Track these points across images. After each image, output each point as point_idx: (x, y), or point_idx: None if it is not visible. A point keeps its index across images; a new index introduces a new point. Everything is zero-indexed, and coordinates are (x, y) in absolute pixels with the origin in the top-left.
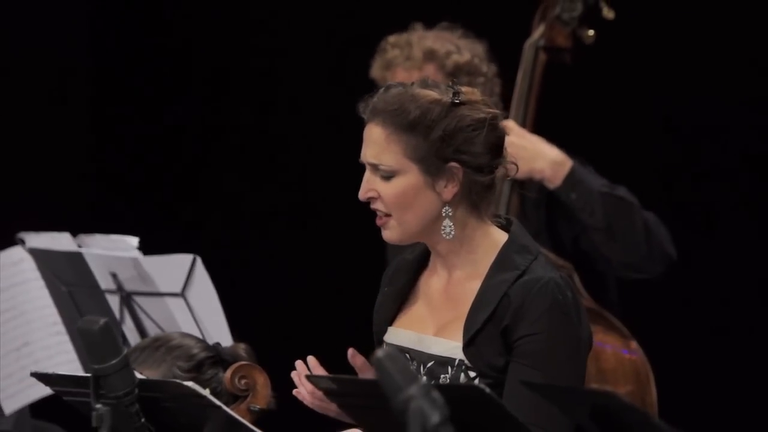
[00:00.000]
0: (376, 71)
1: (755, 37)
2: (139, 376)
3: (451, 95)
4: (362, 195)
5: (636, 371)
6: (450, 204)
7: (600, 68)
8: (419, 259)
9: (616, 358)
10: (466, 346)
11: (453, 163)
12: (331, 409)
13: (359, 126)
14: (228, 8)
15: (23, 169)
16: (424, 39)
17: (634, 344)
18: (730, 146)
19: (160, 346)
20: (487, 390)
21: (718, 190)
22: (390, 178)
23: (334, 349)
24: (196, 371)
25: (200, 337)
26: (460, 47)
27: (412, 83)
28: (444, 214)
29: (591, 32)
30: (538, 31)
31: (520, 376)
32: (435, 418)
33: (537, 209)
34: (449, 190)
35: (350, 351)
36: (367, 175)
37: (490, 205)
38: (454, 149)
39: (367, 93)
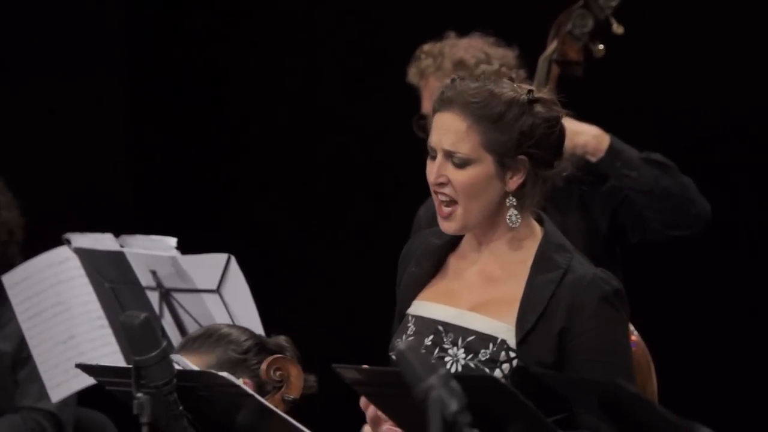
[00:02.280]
0: (411, 77)
1: (763, 50)
2: (190, 364)
3: (525, 93)
4: (434, 179)
5: (638, 360)
6: (513, 194)
7: (609, 81)
8: (447, 245)
9: None
10: (519, 344)
11: (522, 157)
12: None
13: (389, 125)
14: (264, 10)
15: (69, 174)
16: (455, 48)
17: (635, 336)
18: (736, 156)
19: (212, 334)
20: (502, 380)
21: (726, 198)
22: (464, 166)
23: (361, 344)
24: (244, 358)
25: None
26: (489, 56)
27: (486, 77)
28: (509, 204)
29: (601, 47)
30: (551, 46)
31: (582, 370)
32: (453, 406)
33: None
34: (515, 181)
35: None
36: (440, 160)
37: (536, 201)
38: (529, 144)
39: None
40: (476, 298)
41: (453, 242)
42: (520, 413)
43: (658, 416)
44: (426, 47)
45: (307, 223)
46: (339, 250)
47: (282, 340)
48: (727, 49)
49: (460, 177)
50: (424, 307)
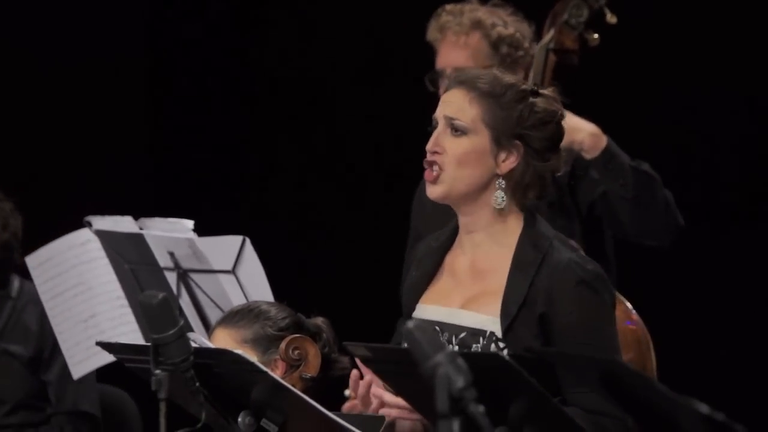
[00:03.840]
0: (430, 33)
1: (754, 37)
2: (206, 342)
3: (531, 85)
4: (430, 146)
5: (637, 340)
6: (504, 178)
7: (604, 68)
8: (445, 244)
9: (620, 328)
10: (505, 334)
11: (518, 141)
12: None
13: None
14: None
15: (91, 159)
16: (475, 10)
17: (635, 316)
18: (725, 144)
19: (253, 309)
20: (507, 357)
21: (714, 187)
22: (461, 135)
23: (373, 323)
24: (281, 335)
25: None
26: (507, 22)
27: (492, 69)
28: (497, 186)
29: (596, 36)
30: (548, 35)
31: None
32: (460, 382)
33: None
34: (507, 164)
35: (354, 373)
36: (439, 129)
37: (527, 199)
38: (525, 128)
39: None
40: (467, 294)
41: (449, 243)
42: (523, 390)
43: (657, 393)
44: (448, 7)
45: (323, 206)
46: (354, 232)
47: (320, 321)
48: (719, 35)
49: (455, 146)
50: (422, 310)
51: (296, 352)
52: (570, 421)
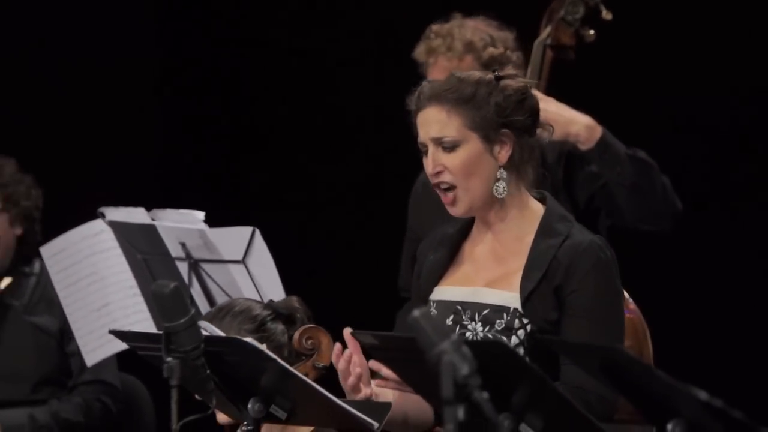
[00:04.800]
0: (419, 55)
1: (746, 33)
2: (217, 331)
3: (491, 72)
4: (431, 170)
5: (635, 328)
6: (504, 168)
7: (599, 63)
8: (461, 232)
9: None
10: (524, 304)
11: (505, 129)
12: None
13: None
14: None
15: (103, 152)
16: (463, 30)
17: (632, 305)
18: (720, 138)
19: (226, 314)
20: (510, 345)
21: (712, 179)
22: (454, 149)
23: (380, 311)
24: (260, 330)
25: (259, 299)
26: (494, 39)
27: (451, 73)
28: (498, 176)
29: (592, 32)
30: (545, 32)
31: (570, 326)
32: (464, 370)
33: (556, 169)
34: (504, 154)
35: (347, 331)
36: (432, 151)
37: (530, 177)
38: (506, 116)
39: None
40: (488, 276)
41: (465, 230)
42: (526, 376)
43: (656, 379)
44: (435, 27)
45: (331, 196)
46: (362, 222)
47: (293, 301)
48: (711, 36)
49: (453, 160)
50: (441, 291)
51: (309, 341)
52: (571, 406)
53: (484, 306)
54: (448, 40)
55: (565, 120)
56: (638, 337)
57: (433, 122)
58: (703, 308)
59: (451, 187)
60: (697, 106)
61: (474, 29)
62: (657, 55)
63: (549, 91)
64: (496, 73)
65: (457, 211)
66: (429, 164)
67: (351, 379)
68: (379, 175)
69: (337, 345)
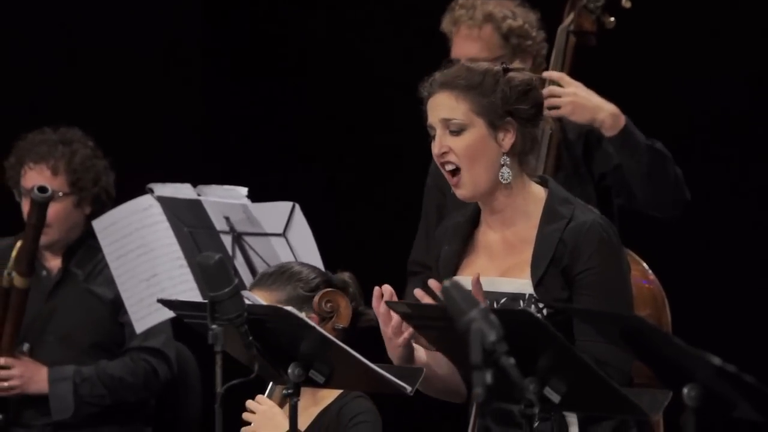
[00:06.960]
0: (445, 25)
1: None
2: (259, 299)
3: (500, 64)
4: (437, 151)
5: (654, 297)
6: (507, 154)
7: (619, 49)
8: (471, 221)
9: (637, 286)
10: (536, 288)
11: (509, 118)
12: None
13: None
14: None
15: (154, 131)
16: (486, 4)
17: (651, 275)
18: (728, 121)
19: (285, 272)
20: (536, 314)
21: (726, 166)
22: (460, 132)
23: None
24: (312, 295)
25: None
26: (515, 14)
27: (461, 63)
28: (502, 162)
29: (612, 19)
30: (568, 18)
31: (581, 303)
32: (492, 336)
33: (577, 145)
34: (507, 141)
35: (377, 290)
36: (439, 133)
37: (531, 164)
38: (511, 104)
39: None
40: (502, 265)
41: (474, 218)
42: (550, 343)
43: (674, 346)
44: (461, 0)
45: (368, 171)
46: (396, 197)
47: (346, 276)
48: (730, 23)
49: (459, 143)
50: (462, 282)
51: (329, 304)
52: (593, 371)
53: (502, 295)
54: (470, 11)
55: (593, 106)
56: (657, 306)
57: (443, 106)
58: (719, 277)
59: (457, 170)
60: (714, 92)
61: (496, 3)
62: (674, 41)
63: (572, 76)
64: (504, 65)
65: (463, 193)
66: (436, 146)
67: (394, 320)
68: (423, 145)
69: (377, 289)
